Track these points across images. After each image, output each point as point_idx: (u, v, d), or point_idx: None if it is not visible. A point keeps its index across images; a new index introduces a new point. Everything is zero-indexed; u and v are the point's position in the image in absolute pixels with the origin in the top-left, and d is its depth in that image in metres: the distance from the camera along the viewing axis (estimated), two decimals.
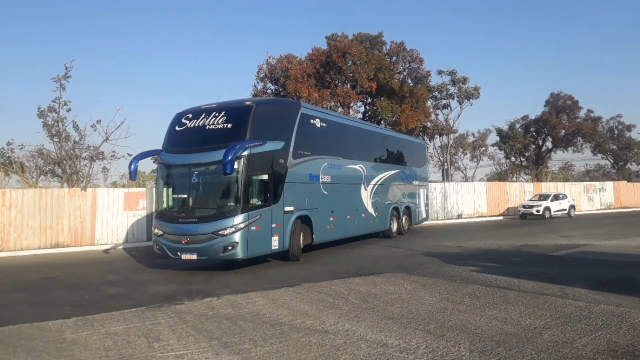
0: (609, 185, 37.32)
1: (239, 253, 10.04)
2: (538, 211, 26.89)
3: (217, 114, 10.77)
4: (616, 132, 49.92)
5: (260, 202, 10.64)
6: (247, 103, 11.20)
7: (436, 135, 36.33)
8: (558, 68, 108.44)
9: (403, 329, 5.64)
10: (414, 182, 19.84)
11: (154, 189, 13.60)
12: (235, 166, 9.83)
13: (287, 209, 11.46)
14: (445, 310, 6.46)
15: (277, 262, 11.80)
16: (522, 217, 27.61)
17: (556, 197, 28.56)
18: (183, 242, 10.17)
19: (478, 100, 34.34)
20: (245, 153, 10.17)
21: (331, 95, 27.05)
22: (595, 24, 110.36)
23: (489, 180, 46.01)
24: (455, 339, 5.21)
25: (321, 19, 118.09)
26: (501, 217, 28.97)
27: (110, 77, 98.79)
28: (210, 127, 10.69)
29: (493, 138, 47.88)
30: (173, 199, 11.12)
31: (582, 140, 44.01)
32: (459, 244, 14.91)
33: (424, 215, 21.29)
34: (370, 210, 15.96)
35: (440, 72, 33.22)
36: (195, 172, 10.44)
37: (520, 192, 31.27)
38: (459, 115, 35.29)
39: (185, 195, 10.78)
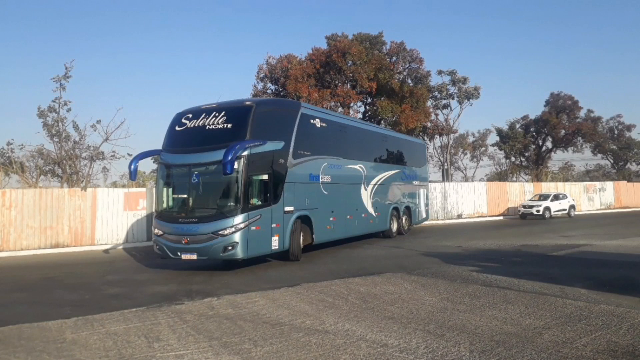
0: (609, 185, 37.32)
1: (239, 253, 10.04)
2: (538, 211, 26.90)
3: (217, 114, 10.76)
4: (616, 132, 49.93)
5: (260, 202, 10.64)
6: (247, 103, 11.20)
7: (436, 135, 36.33)
8: (558, 68, 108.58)
9: (403, 329, 5.64)
10: (414, 182, 19.84)
11: (154, 189, 13.60)
12: (235, 166, 9.83)
13: (287, 209, 11.46)
14: (445, 310, 6.46)
15: (277, 262, 11.80)
16: (522, 217, 27.61)
17: (556, 197, 28.57)
18: (183, 242, 10.17)
19: (478, 100, 34.41)
20: (245, 153, 10.17)
21: (331, 95, 27.05)
22: (595, 24, 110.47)
23: (489, 180, 46.02)
24: (455, 339, 5.21)
25: (321, 19, 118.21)
26: (501, 217, 28.97)
27: (110, 77, 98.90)
28: (210, 127, 10.69)
29: (493, 138, 47.99)
30: (173, 199, 11.12)
31: (582, 140, 44.02)
32: (459, 244, 14.91)
33: (424, 215, 21.30)
34: (370, 210, 15.96)
35: (440, 72, 33.26)
36: (195, 172, 10.44)
37: (520, 192, 31.27)
38: (459, 115, 35.36)
39: (185, 195, 10.77)
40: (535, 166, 44.17)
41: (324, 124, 13.54)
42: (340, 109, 27.76)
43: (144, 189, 18.51)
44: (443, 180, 31.46)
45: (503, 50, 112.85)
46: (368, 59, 27.72)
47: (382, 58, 29.26)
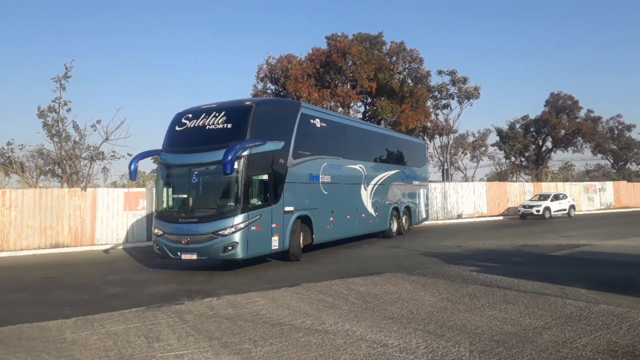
0: (609, 185, 37.32)
1: (239, 253, 10.04)
2: (538, 211, 26.90)
3: (217, 114, 10.76)
4: (616, 132, 49.93)
5: (260, 202, 10.64)
6: (247, 103, 11.20)
7: (436, 135, 36.33)
8: (558, 68, 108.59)
9: (403, 329, 5.64)
10: (414, 182, 19.84)
11: (154, 189, 13.60)
12: (235, 166, 9.83)
13: (287, 209, 11.46)
14: (445, 310, 6.46)
15: (277, 262, 11.80)
16: (522, 217, 27.61)
17: (556, 197, 28.57)
18: (183, 242, 10.17)
19: (478, 100, 34.40)
20: (245, 153, 10.17)
21: (331, 95, 27.05)
22: (595, 24, 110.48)
23: (489, 180, 46.02)
24: (455, 339, 5.21)
25: (321, 19, 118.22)
26: (501, 217, 28.97)
27: (110, 77, 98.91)
28: (210, 127, 10.68)
29: (493, 138, 47.99)
30: (173, 199, 11.12)
31: (582, 140, 44.02)
32: (459, 244, 14.91)
33: (424, 215, 21.30)
34: (370, 210, 15.96)
35: (440, 72, 33.26)
36: (195, 172, 10.44)
37: (520, 192, 31.27)
38: (459, 115, 35.36)
39: (185, 195, 10.77)
40: (535, 166, 44.17)
41: (324, 124, 13.54)
42: (340, 109, 27.76)
43: (144, 189, 18.51)
44: (443, 180, 31.46)
45: (503, 50, 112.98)
46: (368, 59, 27.71)
47: (382, 58, 29.26)
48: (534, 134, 45.04)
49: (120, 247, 16.40)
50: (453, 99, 34.32)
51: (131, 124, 73.23)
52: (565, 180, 42.67)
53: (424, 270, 9.85)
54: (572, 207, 29.32)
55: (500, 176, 45.80)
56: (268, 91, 29.55)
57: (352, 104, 29.06)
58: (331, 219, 13.54)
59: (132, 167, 11.35)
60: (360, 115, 30.39)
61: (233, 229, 9.92)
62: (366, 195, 15.73)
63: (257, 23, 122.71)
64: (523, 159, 46.42)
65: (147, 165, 36.20)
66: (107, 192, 17.32)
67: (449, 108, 35.12)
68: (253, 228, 10.26)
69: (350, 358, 4.69)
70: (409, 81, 31.15)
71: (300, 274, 9.99)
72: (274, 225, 10.96)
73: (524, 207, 27.76)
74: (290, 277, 9.68)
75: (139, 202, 17.61)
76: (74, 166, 19.93)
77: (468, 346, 4.95)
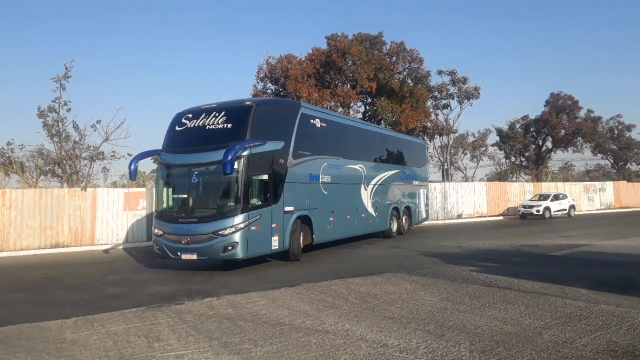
0: (609, 185, 37.32)
1: (239, 253, 10.04)
2: (538, 211, 26.90)
3: (217, 114, 10.76)
4: (616, 132, 49.93)
5: (260, 202, 10.64)
6: (247, 103, 11.20)
7: (436, 135, 36.33)
8: (558, 68, 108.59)
9: (403, 329, 5.64)
10: (414, 182, 19.84)
11: (154, 189, 13.60)
12: (235, 166, 9.83)
13: (287, 209, 11.46)
14: (445, 310, 6.46)
15: (277, 262, 11.80)
16: (522, 217, 27.61)
17: (556, 197, 28.56)
18: (183, 242, 10.17)
19: (478, 100, 34.40)
20: (245, 153, 10.17)
21: (331, 95, 27.05)
22: (595, 24, 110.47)
23: (489, 180, 46.02)
24: (455, 339, 5.21)
25: (321, 19, 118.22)
26: (501, 217, 28.97)
27: (110, 77, 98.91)
28: (210, 127, 10.68)
29: (493, 138, 48.00)
30: (173, 199, 11.12)
31: (582, 140, 44.02)
32: (459, 244, 14.91)
33: (424, 215, 21.30)
34: (370, 210, 15.96)
35: (440, 72, 33.26)
36: (195, 172, 10.44)
37: (520, 192, 31.27)
38: (459, 115, 35.36)
39: (185, 195, 10.77)
40: (535, 166, 44.17)
41: (324, 124, 13.54)
42: (340, 109, 27.76)
43: (144, 189, 18.51)
44: (443, 180, 31.45)
45: (503, 50, 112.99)
46: (368, 59, 27.71)
47: (382, 58, 29.26)
48: (534, 134, 45.05)
49: (120, 247, 16.40)
50: (453, 99, 34.34)
51: (131, 124, 73.32)
52: (565, 180, 42.67)
53: (424, 270, 9.85)
54: (572, 207, 29.32)
55: (500, 176, 45.80)
56: (268, 91, 29.56)
57: (352, 104, 29.07)
58: (331, 219, 13.54)
59: (132, 167, 11.35)
60: (360, 115, 30.39)
61: (233, 229, 9.92)
62: (366, 195, 15.73)
63: (257, 23, 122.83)
64: (523, 159, 46.42)
65: (147, 165, 36.24)
66: (107, 192, 17.32)
67: (449, 108, 35.17)
68: (253, 228, 10.26)
69: (350, 358, 4.69)
70: (409, 81, 31.15)
71: (300, 274, 9.99)
72: (274, 225, 10.96)
73: (524, 207, 27.76)
74: (290, 277, 9.68)
75: (139, 202, 17.61)
76: (74, 166, 19.93)
77: (468, 346, 4.95)
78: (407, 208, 18.96)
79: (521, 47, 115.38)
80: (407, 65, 31.72)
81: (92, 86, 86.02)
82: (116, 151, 20.20)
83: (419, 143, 22.59)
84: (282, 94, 27.91)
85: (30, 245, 15.71)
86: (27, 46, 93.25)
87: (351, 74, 27.51)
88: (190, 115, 11.22)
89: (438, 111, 35.28)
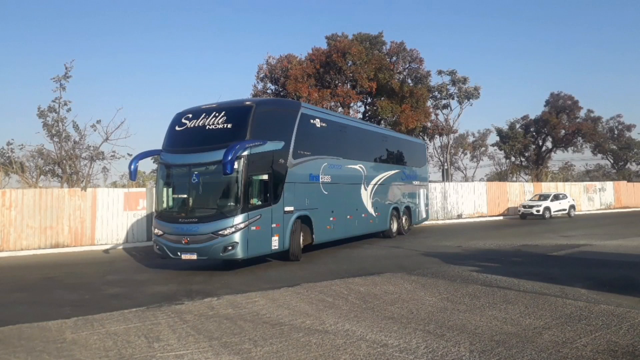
0: (609, 185, 37.32)
1: (239, 253, 10.04)
2: (538, 211, 26.89)
3: (217, 114, 10.76)
4: (616, 132, 49.93)
5: (260, 202, 10.64)
6: (247, 103, 11.20)
7: (436, 135, 36.33)
8: (558, 68, 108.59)
9: (403, 329, 5.64)
10: (414, 182, 19.84)
11: (154, 189, 13.60)
12: (235, 166, 9.83)
13: (287, 209, 11.46)
14: (445, 310, 6.46)
15: (277, 262, 11.80)
16: (522, 217, 27.61)
17: (556, 197, 28.56)
18: (183, 242, 10.17)
19: (478, 100, 34.40)
20: (245, 153, 10.17)
21: (331, 95, 27.05)
22: (595, 24, 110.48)
23: (489, 180, 46.02)
24: (455, 339, 5.21)
25: (321, 19, 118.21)
26: (501, 217, 28.97)
27: (110, 77, 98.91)
28: (210, 127, 10.68)
29: (493, 138, 48.00)
30: (173, 199, 11.12)
31: (582, 140, 44.02)
32: (459, 244, 14.91)
33: (424, 215, 21.30)
34: (370, 210, 15.96)
35: (440, 72, 33.26)
36: (195, 172, 10.44)
37: (520, 192, 31.27)
38: (459, 115, 35.36)
39: (185, 195, 10.77)
40: (535, 166, 44.17)
41: (324, 124, 13.54)
42: (340, 109, 27.76)
43: (144, 189, 18.51)
44: (443, 180, 31.45)
45: (503, 50, 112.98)
46: (368, 59, 27.71)
47: (382, 58, 29.26)
48: (534, 134, 45.05)
49: (120, 247, 16.40)
50: (453, 99, 34.34)
51: (131, 124, 73.35)
52: (565, 180, 42.67)
53: (424, 270, 9.85)
54: (572, 207, 29.31)
55: (500, 176, 45.80)
56: (268, 91, 29.56)
57: (352, 104, 29.07)
58: (331, 219, 13.54)
59: (132, 167, 11.35)
60: (360, 115, 30.39)
61: (233, 229, 9.92)
62: (366, 195, 15.73)
63: (257, 23, 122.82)
64: (523, 159, 46.43)
65: (147, 165, 36.24)
66: (107, 192, 17.32)
67: (449, 108, 35.18)
68: (253, 228, 10.26)
69: (350, 358, 4.69)
70: (409, 81, 31.15)
71: (300, 274, 9.99)
72: (274, 225, 10.96)
73: (524, 207, 27.76)
74: (290, 277, 9.68)
75: (139, 202, 17.61)
76: (74, 166, 19.93)
77: (468, 346, 4.95)
78: (407, 208, 18.96)
79: (521, 47, 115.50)
80: (407, 65, 31.73)
81: (92, 86, 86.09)
82: (116, 151, 20.25)
83: (419, 143, 22.59)
84: (282, 94, 27.91)
85: (30, 245, 15.71)
86: (27, 46, 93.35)
87: (351, 74, 27.51)
88: (190, 115, 11.22)
89: (438, 111, 35.33)
